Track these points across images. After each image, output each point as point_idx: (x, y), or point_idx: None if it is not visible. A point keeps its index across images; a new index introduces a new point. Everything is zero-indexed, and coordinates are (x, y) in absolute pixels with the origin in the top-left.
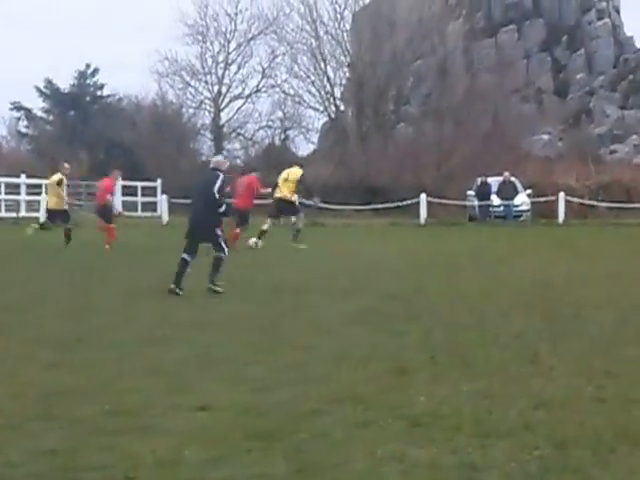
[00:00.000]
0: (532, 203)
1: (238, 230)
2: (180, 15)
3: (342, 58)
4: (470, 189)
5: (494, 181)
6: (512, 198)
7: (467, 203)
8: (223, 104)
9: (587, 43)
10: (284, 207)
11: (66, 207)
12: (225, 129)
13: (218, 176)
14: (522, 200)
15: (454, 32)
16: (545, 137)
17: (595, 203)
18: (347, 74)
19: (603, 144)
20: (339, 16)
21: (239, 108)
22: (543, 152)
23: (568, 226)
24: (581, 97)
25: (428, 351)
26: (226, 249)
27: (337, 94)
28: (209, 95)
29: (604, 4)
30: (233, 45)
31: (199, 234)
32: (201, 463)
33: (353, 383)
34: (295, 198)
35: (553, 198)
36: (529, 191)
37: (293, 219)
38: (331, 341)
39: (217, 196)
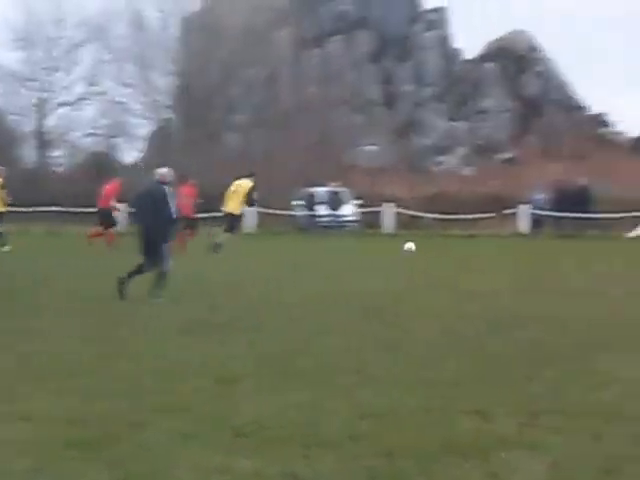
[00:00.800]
0: (359, 213)
1: (187, 235)
2: (5, 20)
3: (170, 66)
4: (297, 199)
5: (322, 191)
6: (339, 208)
7: (294, 213)
8: (48, 111)
9: (416, 54)
10: (229, 220)
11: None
12: (50, 136)
13: (166, 192)
14: (349, 210)
15: (283, 41)
16: (373, 148)
17: (422, 214)
18: (175, 82)
19: (431, 155)
20: (166, 23)
21: (64, 115)
22: (371, 163)
23: (395, 237)
24: (409, 108)
25: (255, 361)
26: (169, 263)
27: (164, 102)
28: (34, 101)
29: (433, 15)
30: (59, 51)
31: (148, 247)
32: (23, 473)
33: (180, 393)
34: (239, 212)
35: (380, 209)
36: (357, 201)
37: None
38: (160, 351)
39: (172, 214)
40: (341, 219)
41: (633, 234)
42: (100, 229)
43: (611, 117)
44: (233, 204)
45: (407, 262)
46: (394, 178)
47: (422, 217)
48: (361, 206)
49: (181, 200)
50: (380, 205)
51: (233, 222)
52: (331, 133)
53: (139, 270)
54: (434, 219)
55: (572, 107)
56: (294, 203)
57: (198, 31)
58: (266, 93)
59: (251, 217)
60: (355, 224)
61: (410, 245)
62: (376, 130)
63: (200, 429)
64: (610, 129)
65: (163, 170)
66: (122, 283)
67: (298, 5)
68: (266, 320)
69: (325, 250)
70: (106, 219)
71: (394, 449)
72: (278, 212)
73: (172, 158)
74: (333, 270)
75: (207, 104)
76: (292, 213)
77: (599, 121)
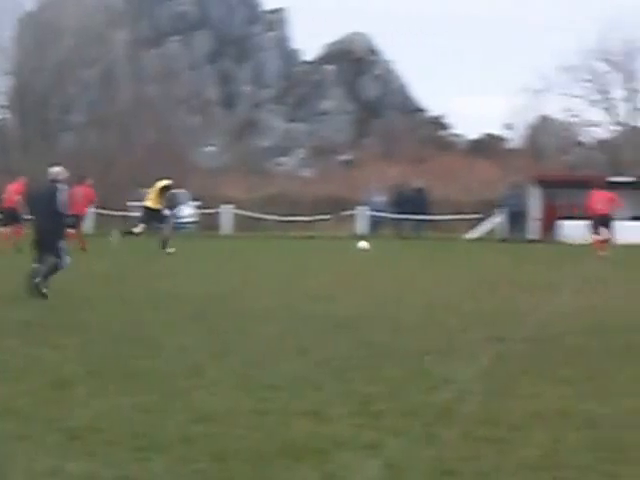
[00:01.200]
0: (198, 215)
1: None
2: None
3: (5, 65)
4: (134, 200)
5: None
6: (177, 209)
7: (130, 214)
8: None
9: (255, 55)
10: (149, 215)
11: None
12: None
13: (59, 190)
14: (187, 212)
15: (119, 41)
16: (212, 149)
17: (261, 216)
18: (10, 82)
19: (270, 157)
20: (1, 23)
21: None
22: (210, 164)
23: (234, 238)
24: (248, 109)
25: (89, 364)
26: (66, 260)
27: (0, 102)
28: None
29: (272, 16)
30: None
31: (44, 245)
32: None
33: (10, 396)
34: (158, 207)
35: (219, 210)
36: (195, 203)
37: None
38: None
39: (62, 211)
40: (179, 220)
41: (471, 235)
42: (6, 230)
43: (450, 119)
44: (151, 200)
45: (243, 264)
46: (233, 179)
47: (261, 218)
48: (199, 207)
49: (76, 199)
50: (218, 206)
51: (153, 216)
52: (169, 133)
53: (52, 269)
54: (273, 220)
55: (411, 110)
56: (130, 204)
57: (33, 31)
58: (102, 93)
59: (89, 218)
60: (193, 225)
61: (363, 244)
62: (215, 131)
63: (33, 431)
64: (449, 131)
65: (56, 169)
66: (37, 287)
67: (134, 5)
68: (100, 322)
69: (161, 251)
70: (11, 219)
71: (228, 452)
72: (114, 213)
73: (8, 158)
74: (168, 272)
75: (43, 104)
76: (128, 214)
77: (438, 123)
